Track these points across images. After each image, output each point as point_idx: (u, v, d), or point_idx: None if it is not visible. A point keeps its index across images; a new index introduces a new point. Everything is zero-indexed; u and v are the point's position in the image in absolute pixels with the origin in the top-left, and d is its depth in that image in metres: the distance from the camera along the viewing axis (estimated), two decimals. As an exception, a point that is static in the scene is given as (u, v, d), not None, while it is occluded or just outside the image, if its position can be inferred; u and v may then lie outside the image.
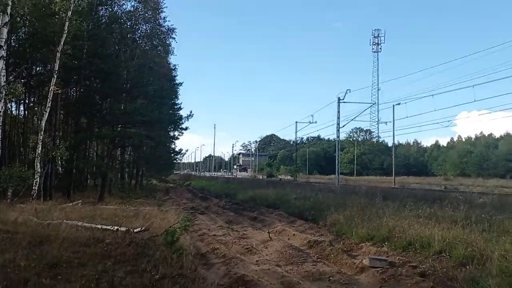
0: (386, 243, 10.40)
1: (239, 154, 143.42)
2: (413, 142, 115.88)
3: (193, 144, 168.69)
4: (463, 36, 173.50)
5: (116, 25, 27.85)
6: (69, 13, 19.83)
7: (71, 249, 8.97)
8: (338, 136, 41.95)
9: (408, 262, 8.66)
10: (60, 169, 23.90)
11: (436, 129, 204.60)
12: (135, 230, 10.44)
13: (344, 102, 49.14)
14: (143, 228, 10.50)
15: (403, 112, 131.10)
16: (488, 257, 7.57)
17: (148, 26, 31.63)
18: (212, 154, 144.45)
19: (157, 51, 34.79)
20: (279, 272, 8.58)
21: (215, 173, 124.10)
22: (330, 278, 7.87)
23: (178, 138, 42.40)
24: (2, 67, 11.42)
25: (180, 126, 37.43)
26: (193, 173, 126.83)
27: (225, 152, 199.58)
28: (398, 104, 51.40)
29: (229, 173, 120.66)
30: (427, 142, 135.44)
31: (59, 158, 18.77)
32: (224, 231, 14.79)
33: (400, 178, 58.33)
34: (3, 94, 11.69)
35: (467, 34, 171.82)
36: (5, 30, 13.00)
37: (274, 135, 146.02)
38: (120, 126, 26.21)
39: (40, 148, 17.98)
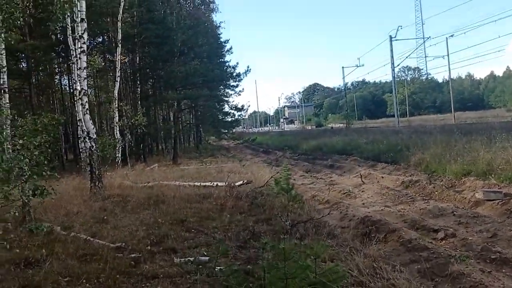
0: (492, 175, 10.10)
1: (284, 107, 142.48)
2: (466, 76, 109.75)
3: (237, 102, 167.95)
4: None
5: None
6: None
7: (186, 205, 9.45)
8: (393, 76, 40.66)
9: (527, 192, 8.41)
10: (130, 137, 24.80)
11: (488, 60, 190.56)
12: (237, 184, 10.77)
13: (396, 39, 47.15)
14: (245, 181, 10.81)
15: (455, 46, 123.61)
16: None
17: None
18: (256, 110, 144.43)
19: (200, 9, 34.46)
20: (394, 211, 8.63)
21: (262, 128, 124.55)
22: (454, 213, 7.80)
23: (240, 95, 45.12)
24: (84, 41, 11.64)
25: (231, 84, 37.30)
26: (243, 130, 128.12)
27: (268, 106, 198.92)
28: (451, 36, 48.60)
29: (277, 127, 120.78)
30: (480, 74, 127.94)
31: (138, 124, 19.51)
32: (310, 179, 15.02)
33: (457, 114, 55.70)
34: (85, 70, 12.00)
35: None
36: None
37: (318, 83, 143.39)
38: (181, 88, 26.57)
39: (117, 117, 18.72)
